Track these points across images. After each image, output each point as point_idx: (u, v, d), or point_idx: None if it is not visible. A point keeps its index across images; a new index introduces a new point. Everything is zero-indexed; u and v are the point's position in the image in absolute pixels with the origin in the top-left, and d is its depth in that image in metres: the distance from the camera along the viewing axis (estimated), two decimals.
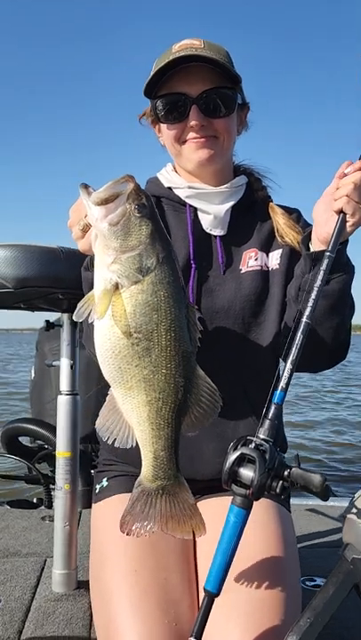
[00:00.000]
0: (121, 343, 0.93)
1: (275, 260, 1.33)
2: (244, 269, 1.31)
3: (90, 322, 0.95)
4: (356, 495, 1.10)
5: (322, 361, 1.29)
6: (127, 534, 0.98)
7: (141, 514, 0.98)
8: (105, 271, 0.93)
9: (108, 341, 0.94)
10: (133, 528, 0.97)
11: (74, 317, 0.94)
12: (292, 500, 1.36)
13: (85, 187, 0.94)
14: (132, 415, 0.97)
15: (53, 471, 2.16)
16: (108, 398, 0.99)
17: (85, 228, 1.00)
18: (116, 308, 0.92)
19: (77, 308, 0.94)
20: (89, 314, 0.94)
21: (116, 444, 0.97)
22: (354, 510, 1.05)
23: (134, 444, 0.98)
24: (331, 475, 5.60)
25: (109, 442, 0.98)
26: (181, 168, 1.36)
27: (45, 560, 1.87)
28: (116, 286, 0.92)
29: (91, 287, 0.97)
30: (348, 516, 1.07)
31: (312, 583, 1.74)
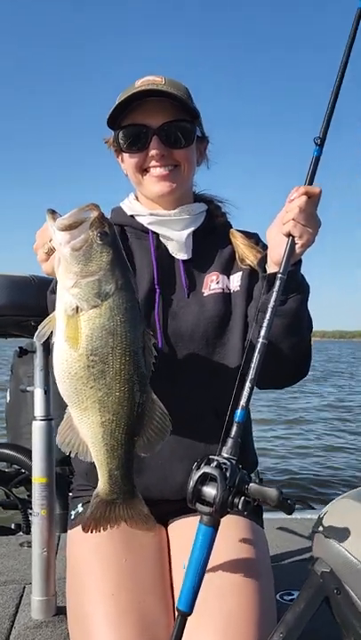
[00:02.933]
0: (77, 365, 0.97)
1: (236, 282, 1.37)
2: (206, 292, 1.35)
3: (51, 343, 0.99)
4: (324, 510, 1.14)
5: (285, 378, 1.33)
6: (91, 532, 1.06)
7: (102, 518, 1.05)
8: (66, 294, 0.97)
9: (65, 362, 0.98)
10: (95, 527, 1.06)
11: (35, 338, 0.99)
12: (270, 515, 1.40)
13: (52, 212, 0.98)
14: (87, 434, 1.02)
15: (31, 496, 2.15)
16: (65, 416, 1.03)
17: (50, 252, 1.04)
18: (74, 330, 0.96)
19: (39, 329, 0.99)
20: (50, 335, 0.98)
21: (80, 457, 1.03)
22: (321, 526, 1.09)
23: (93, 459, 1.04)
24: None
25: (72, 455, 1.04)
26: (143, 196, 1.41)
27: (24, 587, 1.85)
28: (76, 309, 0.96)
29: (54, 309, 1.01)
30: (316, 530, 1.11)
31: (290, 597, 1.76)
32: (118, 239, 1.01)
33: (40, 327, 0.99)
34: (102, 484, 1.04)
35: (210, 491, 0.97)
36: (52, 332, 1.00)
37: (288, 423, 10.10)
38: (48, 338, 1.01)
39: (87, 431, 1.01)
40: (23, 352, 1.82)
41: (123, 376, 0.98)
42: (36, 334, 0.99)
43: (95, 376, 0.97)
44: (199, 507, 0.98)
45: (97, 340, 0.96)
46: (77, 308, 0.96)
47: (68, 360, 0.97)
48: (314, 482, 5.87)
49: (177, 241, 1.36)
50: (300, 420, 10.45)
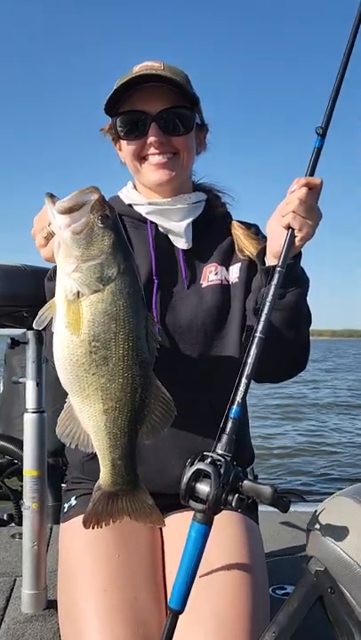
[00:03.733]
0: (79, 351, 0.94)
1: (234, 273, 1.35)
2: (205, 284, 1.34)
3: (51, 330, 0.96)
4: (320, 507, 1.12)
5: (283, 371, 1.32)
6: (92, 528, 1.02)
7: (104, 512, 1.02)
8: (66, 279, 0.94)
9: (66, 349, 0.95)
10: (97, 523, 1.02)
11: (34, 325, 0.96)
12: (263, 508, 1.38)
13: (51, 196, 0.95)
14: (89, 424, 0.99)
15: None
16: (65, 406, 1.00)
17: (48, 236, 1.02)
18: (76, 315, 0.93)
19: (38, 316, 0.96)
20: (50, 321, 0.96)
21: (80, 449, 1.00)
22: (317, 524, 1.08)
23: (94, 450, 1.00)
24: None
25: (72, 447, 1.00)
26: (141, 184, 1.38)
27: (15, 580, 1.83)
28: (77, 295, 0.94)
29: (53, 296, 0.98)
30: (310, 528, 1.10)
31: (282, 592, 1.76)
32: (119, 222, 0.99)
33: (40, 313, 0.96)
34: (105, 475, 1.01)
35: (203, 488, 0.95)
36: (51, 319, 0.97)
37: (286, 417, 10.15)
38: (47, 324, 0.98)
39: (89, 420, 0.98)
40: (15, 343, 1.78)
41: (126, 362, 0.95)
42: (35, 321, 0.96)
43: (97, 362, 0.94)
44: (192, 504, 0.96)
45: (99, 326, 0.93)
46: (78, 293, 0.93)
47: (69, 346, 0.95)
48: (310, 475, 5.90)
49: (176, 231, 1.34)
50: (300, 412, 10.49)
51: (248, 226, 1.41)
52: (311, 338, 1.33)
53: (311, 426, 9.58)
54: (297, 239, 1.11)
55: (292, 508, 1.08)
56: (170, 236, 1.35)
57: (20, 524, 2.46)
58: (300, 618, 1.01)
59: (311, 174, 1.12)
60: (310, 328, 1.28)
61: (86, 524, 1.02)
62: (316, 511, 1.11)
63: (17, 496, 2.51)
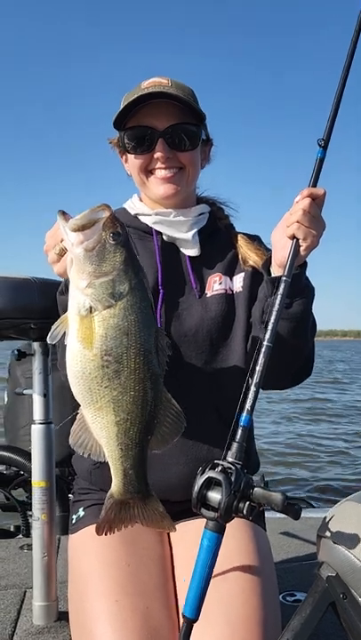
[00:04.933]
0: (91, 365, 0.97)
1: (238, 283, 1.37)
2: (209, 293, 1.36)
3: (63, 344, 0.99)
4: (329, 513, 1.13)
5: (288, 379, 1.33)
6: (105, 534, 1.05)
7: (117, 519, 1.05)
8: (79, 295, 0.97)
9: (79, 363, 0.98)
10: (110, 529, 1.05)
11: (48, 339, 0.98)
12: (270, 514, 1.39)
13: (63, 213, 0.98)
14: (101, 435, 1.01)
15: (30, 497, 2.14)
16: (77, 417, 1.03)
17: (61, 253, 1.05)
18: (88, 330, 0.96)
19: (52, 330, 0.98)
20: (63, 335, 0.98)
21: (92, 458, 1.03)
22: (327, 529, 1.08)
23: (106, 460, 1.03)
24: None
25: (85, 456, 1.03)
26: (146, 197, 1.41)
27: (25, 591, 1.84)
28: (90, 310, 0.96)
29: (65, 310, 1.01)
30: (321, 534, 1.10)
31: (292, 598, 1.76)
32: (130, 239, 1.02)
33: (53, 328, 0.99)
34: (116, 484, 1.04)
35: (215, 496, 0.96)
36: (64, 333, 0.99)
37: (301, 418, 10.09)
38: (58, 339, 1.01)
39: (101, 431, 1.01)
40: (21, 355, 1.79)
41: (137, 375, 0.98)
42: (49, 335, 0.98)
43: (109, 376, 0.97)
44: (204, 512, 0.97)
45: (111, 340, 0.96)
46: (91, 308, 0.96)
47: (81, 360, 0.97)
48: (319, 480, 5.88)
49: (185, 239, 1.37)
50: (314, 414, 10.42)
51: (251, 237, 1.43)
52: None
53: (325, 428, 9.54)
54: (302, 249, 1.12)
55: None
56: (178, 245, 1.38)
57: (27, 535, 2.46)
58: (313, 624, 1.01)
59: (314, 185, 1.14)
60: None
61: (99, 531, 1.05)
62: (325, 517, 1.12)
63: (24, 507, 2.51)
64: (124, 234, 0.98)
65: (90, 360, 0.96)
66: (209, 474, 0.97)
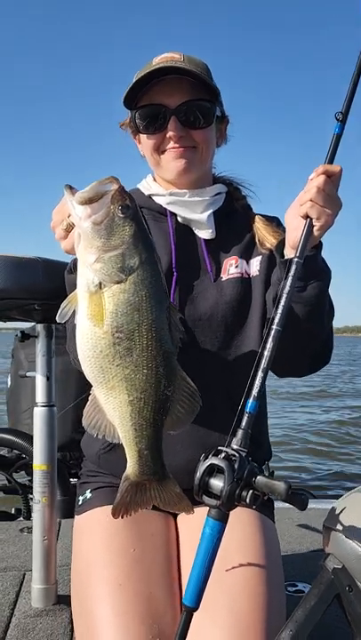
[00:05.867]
0: (102, 342, 0.94)
1: (255, 266, 1.33)
2: (225, 277, 1.32)
3: (73, 327, 0.96)
4: (336, 504, 1.11)
5: (305, 366, 1.30)
6: (121, 517, 1.02)
7: (132, 501, 1.02)
8: (87, 270, 0.94)
9: (89, 340, 0.95)
10: (126, 512, 1.02)
11: (57, 318, 0.95)
12: (278, 504, 1.36)
13: (70, 187, 0.95)
14: (114, 415, 0.98)
15: (32, 481, 2.13)
16: (90, 398, 1.00)
17: (68, 228, 1.01)
18: (98, 307, 0.93)
19: (61, 309, 0.95)
20: (72, 313, 0.95)
21: (107, 439, 1.00)
22: (334, 521, 1.06)
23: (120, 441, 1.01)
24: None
25: (99, 437, 1.00)
26: (161, 178, 1.37)
27: (24, 574, 1.83)
28: (99, 286, 0.93)
29: (74, 289, 0.97)
30: (328, 525, 1.08)
31: (294, 589, 1.74)
32: (140, 212, 0.98)
33: (62, 306, 0.95)
34: (132, 466, 1.01)
35: (217, 483, 0.93)
36: (74, 312, 0.96)
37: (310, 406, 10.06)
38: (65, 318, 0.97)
39: (114, 411, 0.98)
40: (25, 336, 1.77)
41: (150, 352, 0.95)
42: (58, 314, 0.95)
43: (121, 353, 0.94)
44: (206, 499, 0.95)
45: (122, 317, 0.93)
46: (100, 284, 0.93)
47: (92, 338, 0.94)
48: (324, 471, 5.87)
49: (199, 221, 1.32)
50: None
51: (270, 219, 1.39)
52: None
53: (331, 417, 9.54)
54: (315, 229, 1.07)
55: None
56: (192, 227, 1.34)
57: (27, 518, 2.46)
58: (317, 615, 0.99)
59: (331, 162, 1.09)
60: None
61: (115, 514, 1.02)
62: (333, 508, 1.09)
63: (25, 490, 2.51)
64: (134, 206, 0.95)
65: (100, 337, 0.93)
66: (211, 460, 0.94)
